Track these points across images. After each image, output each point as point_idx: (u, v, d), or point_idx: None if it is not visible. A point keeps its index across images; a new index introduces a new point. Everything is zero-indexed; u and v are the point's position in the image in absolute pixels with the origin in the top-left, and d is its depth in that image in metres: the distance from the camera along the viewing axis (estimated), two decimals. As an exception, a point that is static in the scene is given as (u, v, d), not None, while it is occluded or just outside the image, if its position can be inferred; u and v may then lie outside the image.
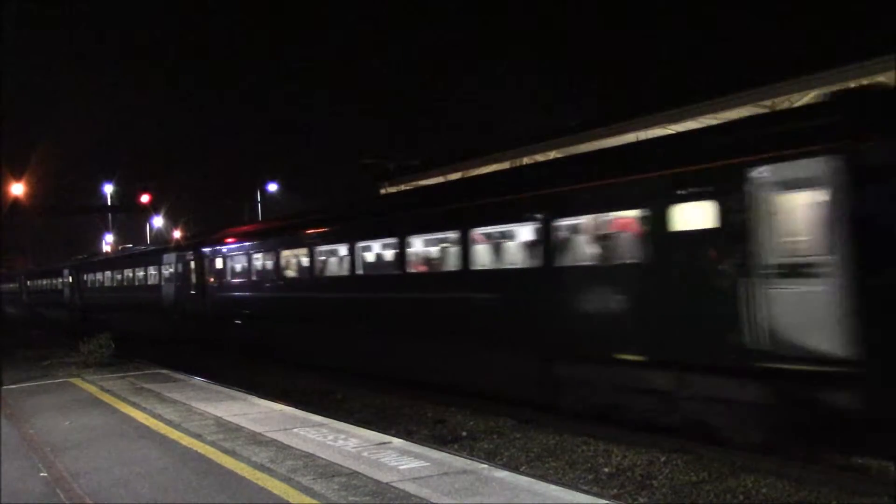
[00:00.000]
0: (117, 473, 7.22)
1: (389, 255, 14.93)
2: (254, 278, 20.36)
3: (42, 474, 7.35)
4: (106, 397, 12.01)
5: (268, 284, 19.50)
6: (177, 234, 41.80)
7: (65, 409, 11.04)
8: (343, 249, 16.24)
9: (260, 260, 20.24)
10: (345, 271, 15.99)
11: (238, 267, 21.49)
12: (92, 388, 13.09)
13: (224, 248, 22.44)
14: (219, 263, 22.55)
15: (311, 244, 17.43)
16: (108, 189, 52.55)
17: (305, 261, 17.79)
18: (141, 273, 30.26)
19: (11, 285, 61.71)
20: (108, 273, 35.39)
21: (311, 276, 17.30)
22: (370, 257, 15.74)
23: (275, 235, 19.73)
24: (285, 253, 18.82)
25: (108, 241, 63.66)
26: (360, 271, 15.53)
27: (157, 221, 52.13)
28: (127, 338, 23.06)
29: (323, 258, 17.11)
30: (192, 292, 24.08)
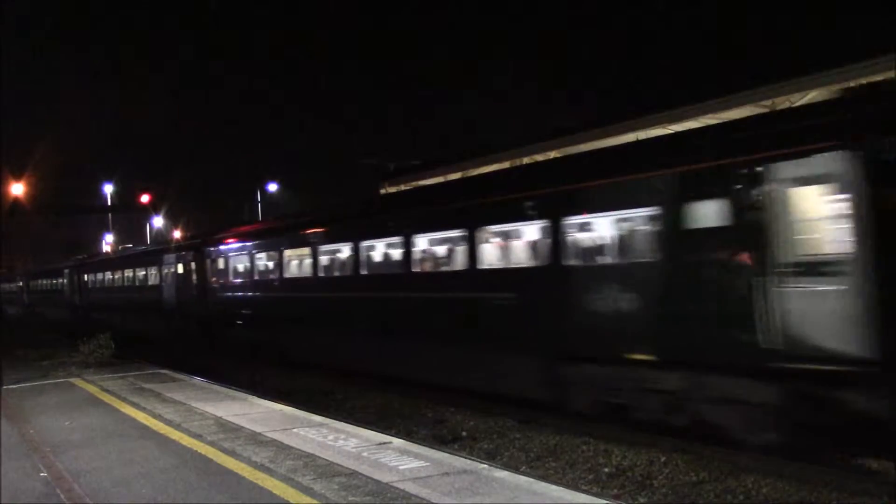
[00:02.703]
0: (118, 473, 7.22)
1: None
2: None
3: (42, 474, 7.35)
4: (106, 397, 12.01)
5: None
6: (176, 234, 41.53)
7: (65, 409, 11.04)
8: None
9: None
10: None
11: None
12: (92, 388, 13.09)
13: None
14: None
15: None
16: (108, 189, 52.70)
17: None
18: (388, 249, 14.93)
19: (53, 281, 44.16)
20: (276, 255, 18.72)
21: None
22: None
23: None
24: None
25: (108, 241, 63.73)
26: None
27: (158, 221, 52.25)
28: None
29: None
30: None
